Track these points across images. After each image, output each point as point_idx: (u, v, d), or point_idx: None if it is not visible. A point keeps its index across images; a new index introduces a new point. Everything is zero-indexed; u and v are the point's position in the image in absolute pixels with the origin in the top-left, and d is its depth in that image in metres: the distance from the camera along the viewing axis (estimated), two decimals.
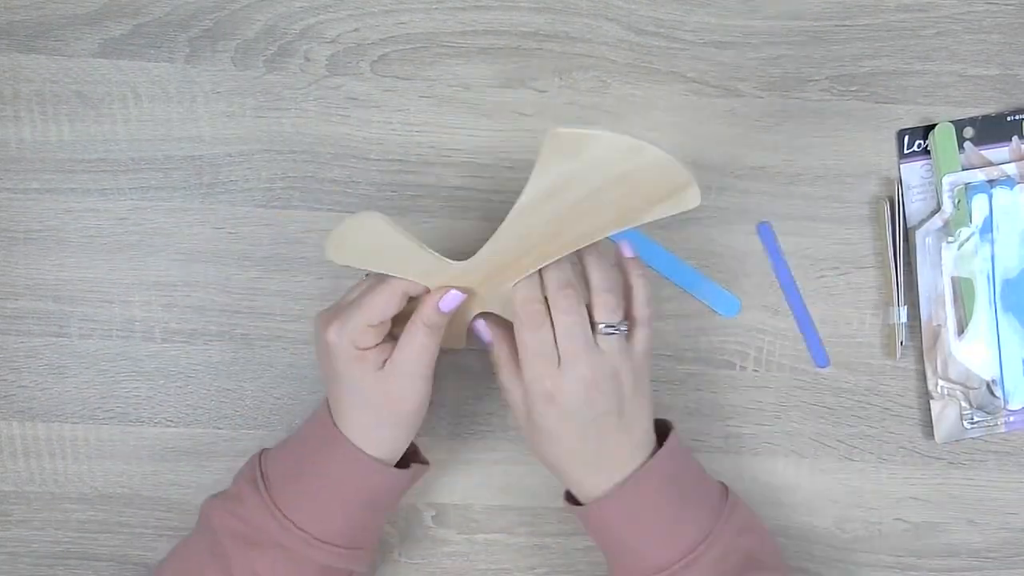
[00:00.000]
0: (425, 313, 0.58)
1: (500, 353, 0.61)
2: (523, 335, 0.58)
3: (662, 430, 0.62)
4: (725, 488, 0.63)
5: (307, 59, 0.69)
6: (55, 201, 0.69)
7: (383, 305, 0.57)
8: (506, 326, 0.60)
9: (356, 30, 0.69)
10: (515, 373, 0.59)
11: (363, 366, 0.58)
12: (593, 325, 0.58)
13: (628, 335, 0.59)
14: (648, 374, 0.60)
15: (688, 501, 0.60)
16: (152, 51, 0.69)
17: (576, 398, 0.57)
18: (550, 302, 0.58)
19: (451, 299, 0.58)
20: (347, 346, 0.57)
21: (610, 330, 0.58)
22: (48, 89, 0.69)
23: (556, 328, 0.57)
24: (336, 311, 0.59)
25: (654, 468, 0.59)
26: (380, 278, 0.59)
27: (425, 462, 0.65)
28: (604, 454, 0.59)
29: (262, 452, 0.63)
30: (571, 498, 0.62)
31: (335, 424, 0.60)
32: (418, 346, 0.58)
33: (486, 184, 0.70)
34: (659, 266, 0.70)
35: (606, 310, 0.58)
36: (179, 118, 0.69)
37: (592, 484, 0.59)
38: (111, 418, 0.70)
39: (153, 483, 0.70)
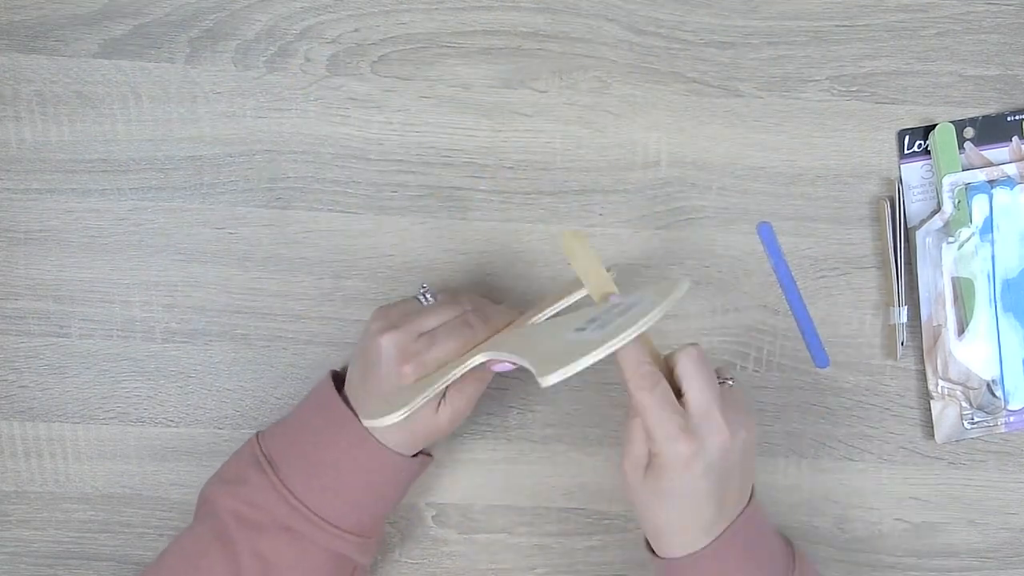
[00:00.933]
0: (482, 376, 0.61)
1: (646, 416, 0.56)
2: (645, 408, 0.55)
3: None
4: (789, 542, 0.62)
5: (307, 59, 0.69)
6: (55, 201, 0.69)
7: (464, 348, 0.59)
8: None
9: (356, 30, 0.69)
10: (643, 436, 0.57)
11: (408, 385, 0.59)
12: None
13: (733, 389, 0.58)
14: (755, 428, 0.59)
15: (766, 558, 0.59)
16: (152, 51, 0.69)
17: (705, 462, 0.55)
18: (683, 366, 0.56)
19: (504, 366, 0.59)
20: (408, 370, 0.59)
21: (730, 382, 0.58)
22: (48, 89, 0.69)
23: (693, 386, 0.55)
24: (402, 322, 0.60)
25: (742, 527, 0.58)
26: (461, 317, 0.61)
27: (428, 454, 0.65)
28: (716, 513, 0.57)
29: (258, 435, 0.63)
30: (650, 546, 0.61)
31: (349, 407, 0.60)
32: (469, 395, 0.61)
33: (487, 184, 0.70)
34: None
35: (710, 364, 0.57)
36: (179, 118, 0.69)
37: (685, 541, 0.57)
38: (112, 418, 0.70)
39: (154, 483, 0.70)
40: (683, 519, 0.57)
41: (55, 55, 0.69)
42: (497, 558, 0.71)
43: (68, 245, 0.69)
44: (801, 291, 0.71)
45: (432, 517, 0.71)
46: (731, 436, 0.55)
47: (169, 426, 0.70)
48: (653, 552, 0.60)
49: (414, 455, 0.63)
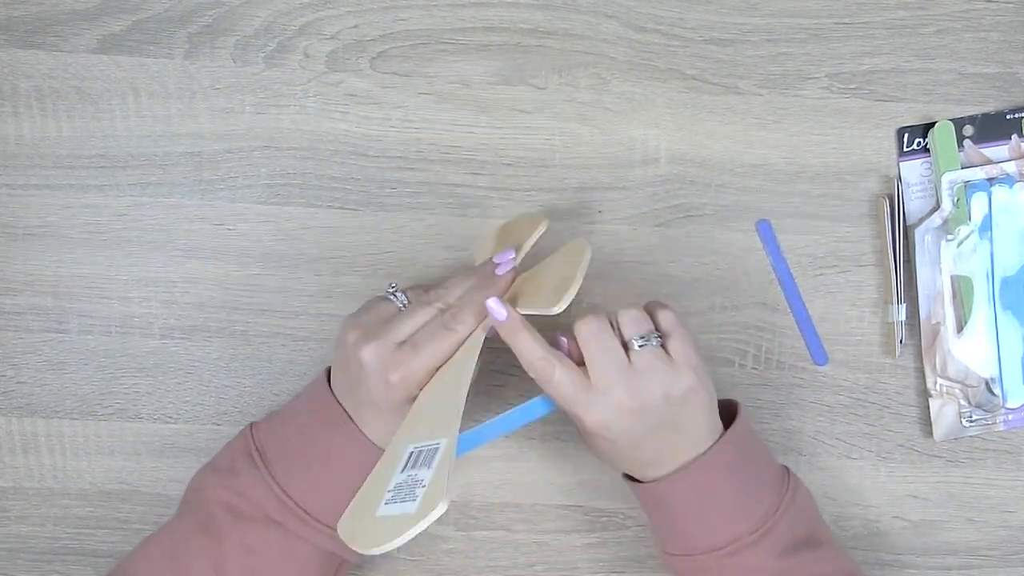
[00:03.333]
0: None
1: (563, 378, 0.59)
2: (548, 389, 0.58)
3: (732, 409, 0.63)
4: (786, 469, 0.63)
5: (306, 55, 0.69)
6: (54, 197, 0.69)
7: (448, 352, 0.59)
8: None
9: (355, 27, 0.69)
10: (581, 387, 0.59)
11: (396, 394, 0.59)
12: (626, 346, 0.58)
13: (665, 347, 0.59)
14: (703, 376, 0.59)
15: (752, 482, 0.61)
16: (151, 47, 0.69)
17: (618, 425, 0.58)
18: (578, 338, 0.58)
19: (497, 308, 0.59)
20: (397, 382, 0.58)
21: (642, 342, 0.58)
22: (47, 85, 0.69)
23: (587, 359, 0.58)
24: (377, 331, 0.59)
25: (716, 454, 0.59)
26: (438, 320, 0.60)
27: None
28: (662, 453, 0.60)
29: (252, 426, 0.63)
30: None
31: (340, 404, 0.60)
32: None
33: (485, 181, 0.70)
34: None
35: (633, 323, 0.59)
36: (178, 114, 0.69)
37: (653, 473, 0.60)
38: (110, 414, 0.70)
39: (152, 479, 0.70)
40: (635, 458, 0.60)
41: (54, 51, 0.69)
42: (495, 555, 0.71)
43: (67, 241, 0.69)
44: (800, 288, 0.71)
45: None
46: (638, 404, 0.58)
47: (167, 422, 0.70)
48: (632, 479, 0.63)
49: None
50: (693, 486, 0.60)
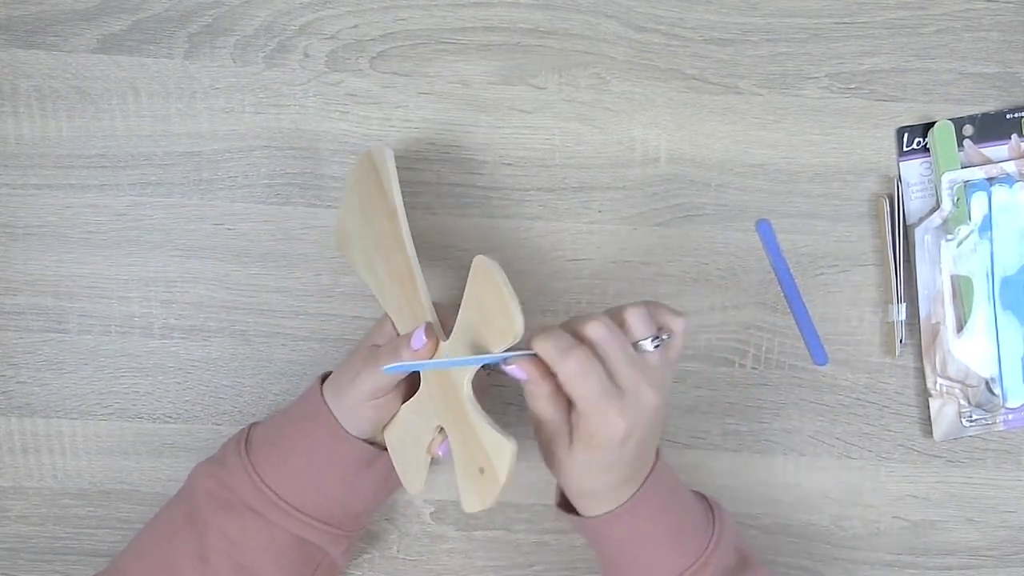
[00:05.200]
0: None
1: (539, 390, 0.56)
2: (578, 386, 0.54)
3: None
4: (704, 496, 0.64)
5: (306, 55, 0.69)
6: (54, 197, 0.69)
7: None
8: (541, 363, 0.55)
9: (355, 26, 0.69)
10: (556, 407, 0.56)
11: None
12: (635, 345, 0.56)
13: (666, 345, 0.58)
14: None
15: (683, 518, 0.61)
16: (151, 47, 0.69)
17: (644, 427, 0.56)
18: (592, 340, 0.55)
19: (418, 337, 0.58)
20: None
21: (656, 342, 0.57)
22: (47, 85, 0.69)
23: (609, 364, 0.55)
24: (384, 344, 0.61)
25: (649, 493, 0.59)
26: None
27: None
28: (634, 471, 0.58)
29: (253, 423, 0.65)
30: (564, 506, 0.62)
31: (323, 397, 0.61)
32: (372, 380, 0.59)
33: (485, 181, 0.70)
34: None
35: (643, 323, 0.56)
36: (178, 114, 0.69)
37: (607, 501, 0.59)
38: (110, 414, 0.70)
39: (151, 479, 0.70)
40: (614, 481, 0.58)
41: (54, 50, 0.69)
42: (495, 555, 0.71)
43: (66, 241, 0.69)
44: (800, 288, 0.71)
45: (430, 514, 0.71)
46: (661, 401, 0.56)
47: (167, 422, 0.70)
48: (567, 511, 0.61)
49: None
50: (627, 528, 0.59)
